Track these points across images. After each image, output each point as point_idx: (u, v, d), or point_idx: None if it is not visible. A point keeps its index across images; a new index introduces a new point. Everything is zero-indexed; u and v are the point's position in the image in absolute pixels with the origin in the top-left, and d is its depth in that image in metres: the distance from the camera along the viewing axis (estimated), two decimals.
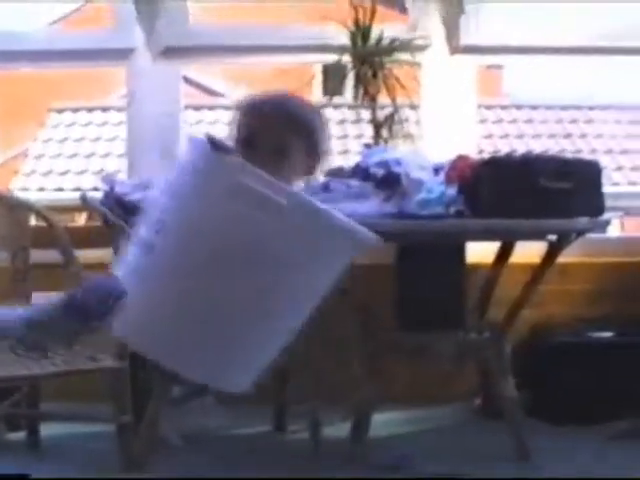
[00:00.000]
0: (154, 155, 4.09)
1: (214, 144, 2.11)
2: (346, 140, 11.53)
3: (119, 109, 11.09)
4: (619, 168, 11.55)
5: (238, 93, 13.93)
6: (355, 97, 3.83)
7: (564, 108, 12.98)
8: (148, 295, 2.13)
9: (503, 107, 12.91)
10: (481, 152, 7.30)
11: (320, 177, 3.45)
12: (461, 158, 3.28)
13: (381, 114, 3.80)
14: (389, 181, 3.18)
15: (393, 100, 3.80)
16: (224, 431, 3.71)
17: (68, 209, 4.80)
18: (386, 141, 3.78)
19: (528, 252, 3.46)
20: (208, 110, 12.32)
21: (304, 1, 5.12)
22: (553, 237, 3.27)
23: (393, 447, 3.36)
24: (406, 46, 3.83)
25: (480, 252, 3.61)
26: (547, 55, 4.30)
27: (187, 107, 4.59)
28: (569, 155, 10.66)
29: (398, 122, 3.81)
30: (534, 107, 12.98)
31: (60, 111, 12.62)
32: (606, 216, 3.28)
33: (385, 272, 3.54)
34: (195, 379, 2.30)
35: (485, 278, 3.62)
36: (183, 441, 3.42)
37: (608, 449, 3.37)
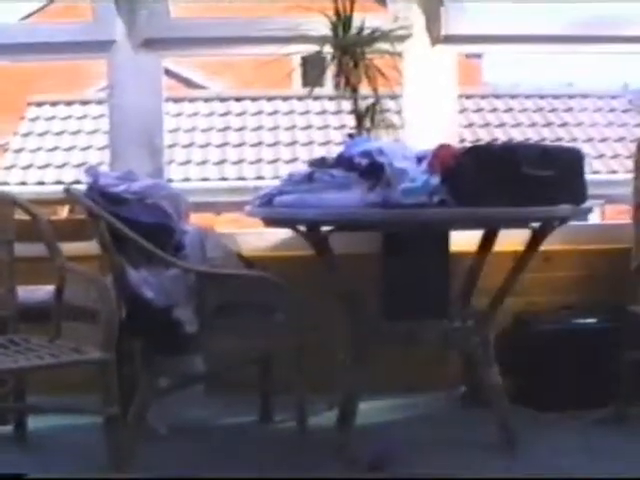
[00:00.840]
0: (136, 147, 4.09)
1: None
2: (327, 130, 11.53)
3: (99, 102, 11.04)
4: (600, 156, 11.58)
5: (218, 85, 13.93)
6: (337, 87, 3.83)
7: (543, 97, 13.01)
8: None
9: (483, 96, 12.93)
10: (462, 141, 7.32)
11: (304, 167, 3.47)
12: (443, 147, 3.29)
13: (363, 104, 3.80)
14: (373, 171, 3.19)
15: (374, 90, 3.80)
16: (211, 421, 3.72)
17: (50, 202, 4.79)
18: (368, 131, 3.78)
19: (511, 240, 3.48)
20: (188, 103, 12.30)
21: None
22: (536, 225, 3.29)
23: (377, 438, 3.37)
24: (387, 36, 3.84)
25: (464, 240, 3.62)
26: (527, 44, 4.31)
27: (167, 99, 4.58)
28: (550, 143, 10.73)
29: (380, 112, 3.81)
30: (513, 96, 13.00)
31: (39, 104, 12.56)
32: (588, 204, 3.30)
33: (370, 261, 3.55)
34: None
35: (469, 266, 3.63)
36: (170, 432, 3.43)
37: (592, 435, 3.40)
